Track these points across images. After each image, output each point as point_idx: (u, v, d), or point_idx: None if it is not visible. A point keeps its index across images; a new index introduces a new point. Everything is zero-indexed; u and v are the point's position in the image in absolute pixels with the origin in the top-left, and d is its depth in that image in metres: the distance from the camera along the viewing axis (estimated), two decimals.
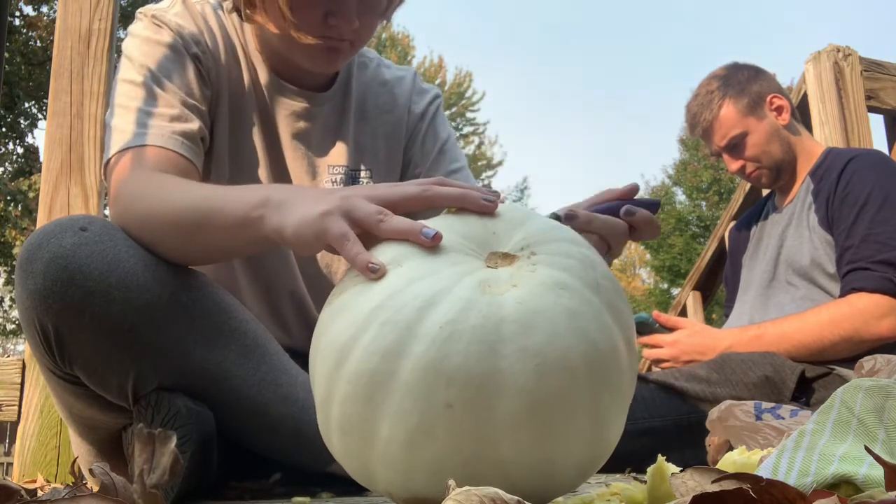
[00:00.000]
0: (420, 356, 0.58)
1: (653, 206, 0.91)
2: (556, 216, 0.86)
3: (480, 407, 0.58)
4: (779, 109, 1.82)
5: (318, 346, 0.66)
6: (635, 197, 0.92)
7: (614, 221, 0.88)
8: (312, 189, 1.00)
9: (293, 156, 1.20)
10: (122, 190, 1.00)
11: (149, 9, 1.14)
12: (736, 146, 1.83)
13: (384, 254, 0.66)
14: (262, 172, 1.18)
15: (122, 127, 1.05)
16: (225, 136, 1.16)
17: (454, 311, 0.59)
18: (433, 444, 0.58)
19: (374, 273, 0.64)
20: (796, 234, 1.76)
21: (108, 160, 1.05)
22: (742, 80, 1.84)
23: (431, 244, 0.65)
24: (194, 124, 1.07)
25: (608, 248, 0.89)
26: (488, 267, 0.64)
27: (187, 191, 0.95)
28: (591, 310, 0.62)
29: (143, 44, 1.10)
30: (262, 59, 1.20)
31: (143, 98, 1.06)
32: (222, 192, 0.93)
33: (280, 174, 1.20)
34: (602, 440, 0.64)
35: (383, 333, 0.60)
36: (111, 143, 1.05)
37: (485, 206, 0.69)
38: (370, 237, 0.69)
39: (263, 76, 1.19)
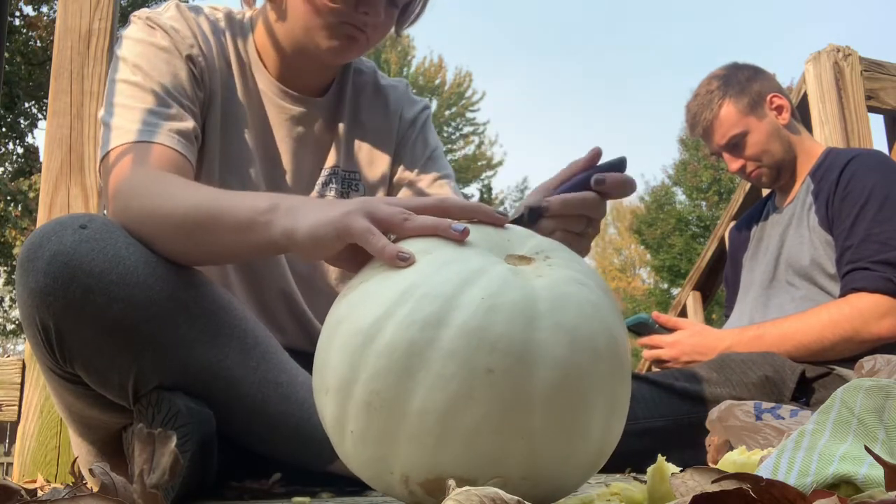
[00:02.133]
0: (463, 324, 0.60)
1: (619, 165, 0.88)
2: (523, 215, 0.85)
3: (520, 374, 0.59)
4: (779, 109, 1.82)
5: (336, 335, 0.65)
6: (599, 162, 0.89)
7: (587, 198, 0.85)
8: (320, 199, 1.01)
9: (287, 159, 1.23)
10: (122, 187, 1.01)
11: (143, 12, 1.16)
12: (736, 145, 1.83)
13: (410, 247, 0.67)
14: (254, 174, 1.19)
15: (119, 124, 1.05)
16: (216, 137, 1.16)
17: (493, 286, 0.62)
18: (471, 409, 0.59)
19: (405, 261, 0.65)
20: (796, 234, 1.76)
21: (104, 157, 1.05)
22: (742, 80, 1.84)
23: (461, 238, 0.67)
24: (189, 123, 1.08)
25: (588, 221, 0.86)
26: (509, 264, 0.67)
27: (192, 191, 0.95)
28: (607, 304, 0.66)
29: (136, 45, 1.11)
30: (262, 64, 1.22)
31: (139, 97, 1.07)
32: (229, 195, 0.94)
33: (272, 176, 1.21)
34: (609, 434, 0.66)
35: (422, 305, 0.61)
36: (107, 140, 1.06)
37: (498, 218, 0.72)
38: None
39: (261, 80, 1.22)
